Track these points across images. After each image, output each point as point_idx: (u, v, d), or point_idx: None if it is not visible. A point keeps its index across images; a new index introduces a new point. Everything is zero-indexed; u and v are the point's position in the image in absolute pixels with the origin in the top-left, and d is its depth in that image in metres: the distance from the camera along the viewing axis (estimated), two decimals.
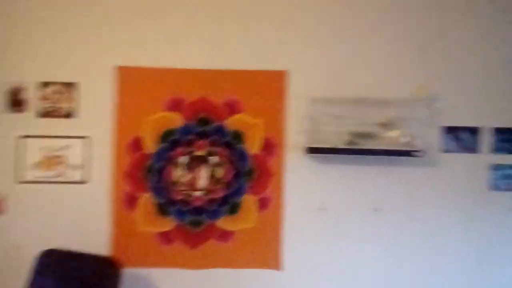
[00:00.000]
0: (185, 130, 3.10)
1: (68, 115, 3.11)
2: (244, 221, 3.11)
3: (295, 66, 3.13)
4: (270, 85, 3.13)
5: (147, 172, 3.08)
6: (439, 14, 3.17)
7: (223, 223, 3.10)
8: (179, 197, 3.09)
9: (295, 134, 3.12)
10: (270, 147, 3.12)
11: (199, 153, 3.11)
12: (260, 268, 3.09)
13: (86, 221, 3.08)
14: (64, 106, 3.11)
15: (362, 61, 3.14)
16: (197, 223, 3.10)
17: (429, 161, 3.10)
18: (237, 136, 3.11)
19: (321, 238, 3.12)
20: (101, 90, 3.11)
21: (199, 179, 3.10)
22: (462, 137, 3.14)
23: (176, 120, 3.10)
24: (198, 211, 3.10)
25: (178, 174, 3.09)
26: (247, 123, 3.11)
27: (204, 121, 3.11)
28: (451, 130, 3.14)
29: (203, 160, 3.10)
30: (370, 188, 3.12)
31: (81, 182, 3.09)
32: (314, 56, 3.15)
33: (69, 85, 3.11)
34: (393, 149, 2.90)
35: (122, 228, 3.07)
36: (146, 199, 3.08)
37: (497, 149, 3.16)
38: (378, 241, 3.12)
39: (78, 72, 3.11)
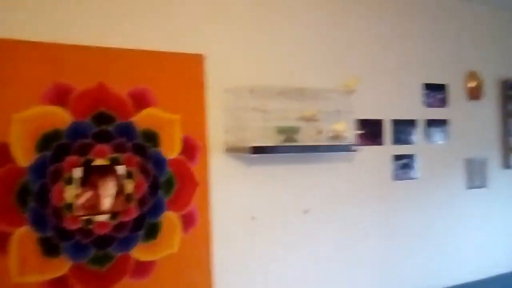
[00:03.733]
0: (76, 130, 2.19)
1: None
2: (166, 246, 2.39)
3: (213, 49, 2.57)
4: (186, 72, 2.49)
5: (22, 195, 2.07)
6: (361, 11, 3.13)
7: (139, 253, 2.32)
8: (75, 225, 2.18)
9: (216, 132, 2.58)
10: (191, 149, 2.48)
11: (100, 161, 2.25)
12: None
13: None
14: None
15: (285, 48, 2.81)
16: (103, 258, 2.24)
17: (347, 156, 2.99)
18: (150, 137, 2.37)
19: (253, 250, 2.66)
20: None
21: (102, 198, 2.25)
22: (370, 130, 3.13)
23: (62, 117, 2.16)
24: (104, 241, 2.24)
25: (71, 193, 2.17)
26: (161, 119, 2.40)
27: (103, 118, 2.26)
28: (361, 123, 3.09)
29: (106, 171, 2.27)
30: (298, 189, 2.81)
31: None
32: (234, 39, 2.65)
33: None
34: (339, 144, 2.65)
35: None
36: (23, 235, 2.06)
37: (396, 141, 3.28)
38: (308, 243, 2.85)
39: None
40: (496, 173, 3.76)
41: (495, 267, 3.68)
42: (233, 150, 2.56)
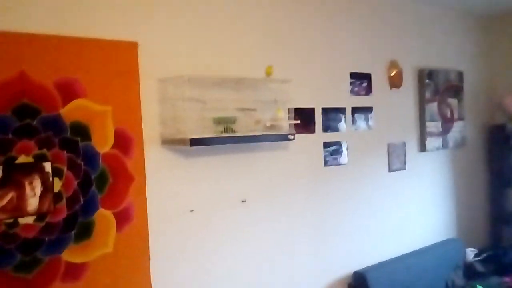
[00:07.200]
0: None
1: None
2: (100, 246, 2.25)
3: (147, 37, 2.42)
4: (118, 60, 2.32)
5: None
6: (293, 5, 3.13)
7: (71, 254, 2.16)
8: None
9: (152, 124, 2.46)
10: (125, 142, 2.33)
11: (23, 159, 2.04)
12: None
13: None
14: None
15: (222, 38, 2.73)
16: (30, 264, 2.05)
17: (283, 144, 3.01)
18: (79, 130, 2.19)
19: (191, 244, 2.60)
20: None
21: (27, 199, 2.05)
22: (304, 118, 3.16)
23: None
24: (31, 245, 2.05)
25: None
26: (91, 111, 2.23)
27: (25, 111, 2.05)
28: (296, 112, 3.11)
29: (31, 168, 2.06)
30: (236, 179, 2.78)
31: None
32: (170, 27, 2.52)
33: None
34: (277, 133, 2.64)
35: None
36: None
37: (326, 128, 3.36)
38: (246, 231, 2.85)
39: None
40: (413, 156, 4.01)
41: (413, 242, 3.96)
42: (170, 142, 2.46)
